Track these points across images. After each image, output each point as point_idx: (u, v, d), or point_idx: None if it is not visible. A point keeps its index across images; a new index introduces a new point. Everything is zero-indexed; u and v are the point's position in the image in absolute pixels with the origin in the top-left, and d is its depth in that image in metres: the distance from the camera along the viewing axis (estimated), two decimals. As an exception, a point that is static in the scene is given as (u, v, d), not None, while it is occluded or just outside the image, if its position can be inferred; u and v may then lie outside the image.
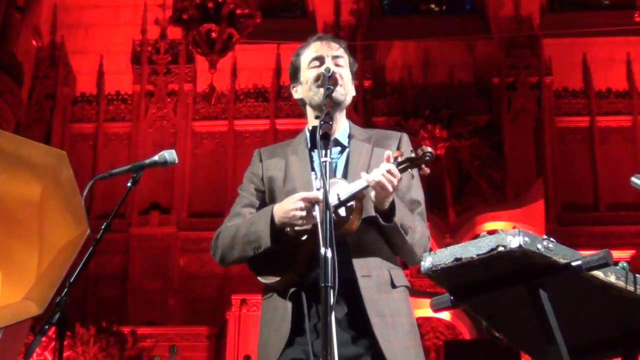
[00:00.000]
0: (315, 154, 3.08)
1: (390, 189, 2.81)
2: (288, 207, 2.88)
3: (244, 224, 3.01)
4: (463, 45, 14.35)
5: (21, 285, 3.35)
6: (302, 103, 3.21)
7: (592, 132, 13.77)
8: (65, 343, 3.13)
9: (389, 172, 2.80)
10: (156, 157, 3.23)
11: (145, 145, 13.60)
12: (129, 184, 3.16)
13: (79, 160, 13.10)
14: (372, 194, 2.86)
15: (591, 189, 13.48)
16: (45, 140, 12.94)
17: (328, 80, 2.98)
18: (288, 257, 2.92)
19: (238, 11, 12.73)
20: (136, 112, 14.03)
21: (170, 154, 3.23)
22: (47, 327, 2.84)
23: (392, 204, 2.88)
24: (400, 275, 3.01)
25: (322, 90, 3.02)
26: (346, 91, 3.12)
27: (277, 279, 2.95)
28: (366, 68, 13.89)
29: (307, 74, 3.14)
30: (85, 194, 3.17)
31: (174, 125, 13.95)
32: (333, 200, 2.82)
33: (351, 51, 3.31)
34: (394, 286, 2.96)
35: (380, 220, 2.89)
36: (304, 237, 2.90)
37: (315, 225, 2.79)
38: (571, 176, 13.53)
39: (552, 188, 13.25)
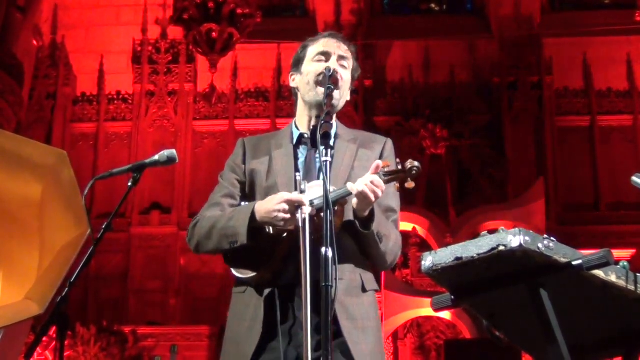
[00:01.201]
0: (300, 151, 3.09)
1: (374, 199, 2.82)
2: (271, 208, 2.87)
3: (224, 216, 3.00)
4: (464, 45, 14.34)
5: (22, 285, 3.35)
6: (294, 92, 3.20)
7: (593, 132, 13.76)
8: (65, 343, 3.12)
9: (373, 183, 2.80)
10: (157, 157, 3.24)
11: (146, 144, 13.60)
12: (129, 184, 3.17)
13: (79, 160, 13.09)
14: (355, 201, 2.86)
15: (592, 188, 13.47)
16: (46, 140, 12.94)
17: (328, 80, 2.97)
18: (264, 254, 2.92)
19: (239, 11, 12.73)
20: (137, 111, 14.02)
21: (170, 154, 3.24)
22: (47, 326, 2.85)
23: (372, 212, 2.89)
24: (371, 280, 3.03)
25: (319, 89, 3.02)
26: (341, 96, 3.11)
27: (252, 274, 2.94)
28: (366, 68, 13.86)
29: (310, 67, 3.13)
30: (85, 193, 3.18)
31: (174, 125, 13.94)
32: (317, 203, 2.82)
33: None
34: (364, 290, 2.99)
35: (359, 227, 2.90)
36: (284, 235, 2.89)
37: (296, 227, 2.79)
38: (572, 175, 13.52)
39: (552, 187, 13.24)
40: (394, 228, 3.06)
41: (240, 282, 3.01)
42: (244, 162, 3.15)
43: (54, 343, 10.24)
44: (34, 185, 3.38)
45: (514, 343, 2.95)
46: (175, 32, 13.98)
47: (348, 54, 3.16)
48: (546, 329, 2.49)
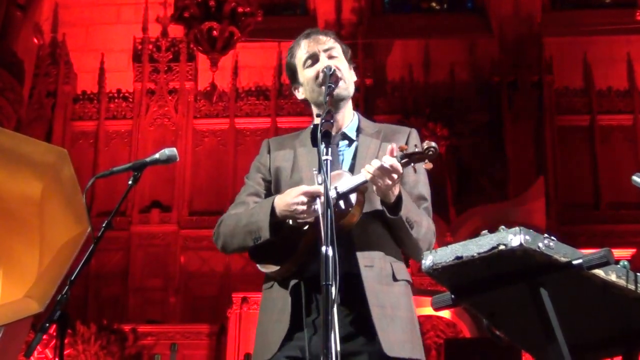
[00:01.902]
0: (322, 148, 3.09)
1: (389, 182, 2.80)
2: (289, 200, 2.88)
3: (246, 213, 3.01)
4: (464, 44, 14.34)
5: (22, 283, 3.35)
6: (307, 103, 3.21)
7: (593, 131, 13.76)
8: (66, 341, 3.13)
9: (387, 166, 2.78)
10: (157, 155, 3.24)
11: (146, 143, 13.60)
12: (130, 182, 3.17)
13: (79, 158, 13.09)
14: (374, 187, 2.85)
15: (592, 188, 13.47)
16: (46, 138, 12.94)
17: (329, 79, 2.97)
18: (288, 247, 2.92)
19: (239, 9, 12.74)
20: (137, 110, 14.02)
21: (171, 152, 3.25)
22: (47, 324, 2.85)
23: (399, 198, 2.87)
24: (402, 269, 3.00)
25: (324, 88, 3.01)
26: (347, 84, 3.11)
27: (277, 268, 2.95)
28: (367, 66, 13.89)
29: (305, 74, 3.13)
30: (86, 191, 3.18)
31: (175, 124, 13.95)
32: (331, 194, 2.81)
33: (352, 49, 3.29)
34: (395, 279, 2.96)
35: (387, 213, 2.88)
36: (305, 228, 2.90)
37: (317, 218, 2.79)
38: (572, 175, 13.52)
39: (552, 187, 13.24)
40: (426, 215, 3.05)
41: (268, 278, 3.03)
42: (269, 161, 3.16)
43: (54, 341, 10.23)
44: (34, 183, 3.38)
45: (514, 342, 2.95)
46: (176, 31, 13.98)
47: (331, 42, 3.15)
48: (546, 328, 2.49)
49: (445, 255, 2.62)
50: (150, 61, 14.22)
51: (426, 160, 2.85)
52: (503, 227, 2.53)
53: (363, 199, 2.90)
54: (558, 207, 13.16)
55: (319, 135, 2.77)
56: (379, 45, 14.44)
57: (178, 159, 3.29)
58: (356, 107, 3.32)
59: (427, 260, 2.66)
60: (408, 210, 2.91)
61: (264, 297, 3.04)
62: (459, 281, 2.71)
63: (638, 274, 2.60)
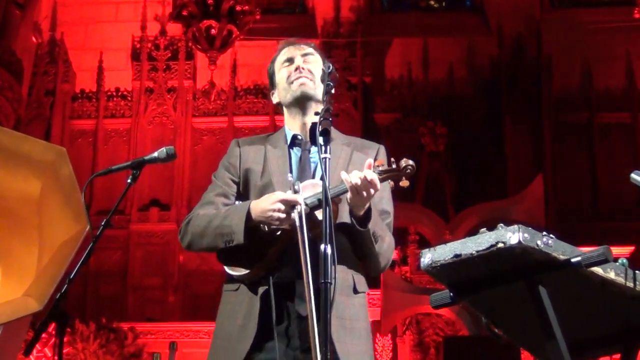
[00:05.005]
0: (293, 152, 3.10)
1: (366, 195, 2.82)
2: (266, 207, 2.89)
3: (219, 215, 3.01)
4: (463, 42, 14.34)
5: (21, 281, 3.35)
6: (279, 107, 3.27)
7: (592, 129, 13.75)
8: (65, 339, 3.12)
9: (367, 179, 2.80)
10: (156, 154, 3.25)
11: (145, 141, 13.60)
12: (128, 181, 3.18)
13: (78, 156, 13.09)
14: (349, 195, 2.86)
15: (591, 186, 13.46)
16: (45, 137, 12.93)
17: (328, 77, 2.98)
18: (258, 251, 2.93)
19: (238, 8, 12.73)
20: (136, 108, 14.02)
21: (169, 150, 3.25)
22: (47, 323, 2.85)
23: (368, 210, 2.89)
24: (362, 281, 3.03)
25: (292, 85, 3.10)
26: (316, 85, 3.14)
27: (245, 271, 2.95)
28: (366, 65, 13.89)
29: (280, 74, 3.21)
30: (84, 190, 3.17)
31: (173, 122, 13.94)
32: (311, 201, 2.82)
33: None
34: (355, 291, 2.99)
35: (355, 224, 2.89)
36: (278, 233, 2.90)
37: (291, 226, 2.80)
38: (571, 173, 13.51)
39: (551, 184, 13.23)
40: (389, 231, 3.07)
41: (232, 279, 3.01)
42: (239, 162, 3.18)
43: (53, 340, 10.24)
44: (33, 181, 3.38)
45: (513, 340, 2.95)
46: (175, 29, 13.97)
47: (310, 50, 3.24)
48: (545, 326, 2.49)
49: (444, 253, 2.62)
50: (149, 59, 14.21)
51: (403, 178, 2.85)
52: (502, 224, 2.53)
53: (337, 210, 2.91)
54: (557, 205, 13.16)
55: (317, 132, 2.77)
56: (378, 43, 14.43)
57: (177, 158, 3.30)
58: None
59: (426, 259, 2.66)
60: (375, 224, 2.93)
61: (227, 298, 3.04)
62: (457, 279, 2.71)
63: (637, 271, 2.60)
